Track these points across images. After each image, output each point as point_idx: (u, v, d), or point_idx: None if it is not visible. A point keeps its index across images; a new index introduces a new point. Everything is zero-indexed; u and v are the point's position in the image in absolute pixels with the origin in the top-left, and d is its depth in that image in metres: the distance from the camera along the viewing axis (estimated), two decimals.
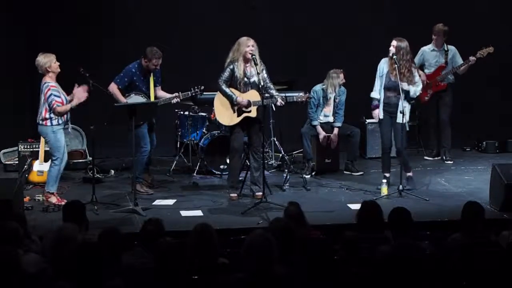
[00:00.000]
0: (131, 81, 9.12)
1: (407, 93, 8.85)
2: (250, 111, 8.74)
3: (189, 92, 9.27)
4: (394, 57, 8.80)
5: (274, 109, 9.95)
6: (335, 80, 10.02)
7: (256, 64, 8.58)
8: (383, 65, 9.02)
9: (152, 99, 9.14)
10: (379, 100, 9.05)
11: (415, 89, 8.93)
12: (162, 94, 9.26)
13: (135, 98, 9.09)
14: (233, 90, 8.74)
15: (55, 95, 8.44)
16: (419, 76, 9.21)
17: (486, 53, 10.36)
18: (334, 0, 11.76)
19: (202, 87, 9.25)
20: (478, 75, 11.08)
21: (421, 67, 10.56)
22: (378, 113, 9.09)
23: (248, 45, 8.65)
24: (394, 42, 8.90)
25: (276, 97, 8.65)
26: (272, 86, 8.74)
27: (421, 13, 11.53)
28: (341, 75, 10.05)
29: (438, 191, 9.20)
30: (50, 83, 8.48)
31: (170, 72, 9.64)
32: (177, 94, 9.21)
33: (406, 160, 9.11)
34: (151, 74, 9.17)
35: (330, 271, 4.84)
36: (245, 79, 8.72)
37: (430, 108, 10.82)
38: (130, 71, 9.13)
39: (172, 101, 9.23)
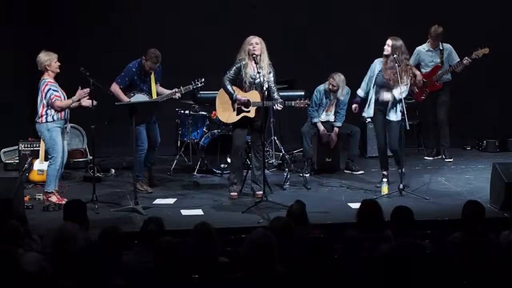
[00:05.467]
0: (132, 80, 9.12)
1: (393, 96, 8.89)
2: (249, 111, 8.74)
3: (190, 86, 9.30)
4: (395, 56, 8.78)
5: (274, 108, 9.96)
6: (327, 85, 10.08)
7: (256, 63, 8.56)
8: (376, 65, 9.00)
9: (154, 97, 9.17)
10: (360, 97, 9.13)
11: (403, 90, 8.85)
12: (162, 90, 9.28)
13: (138, 97, 9.10)
14: (235, 88, 8.74)
15: (53, 90, 8.46)
16: (413, 76, 9.20)
17: (481, 54, 10.34)
18: (334, 0, 11.76)
19: (203, 79, 9.28)
20: (478, 75, 11.09)
21: (417, 67, 10.57)
22: (355, 107, 9.25)
23: (250, 43, 8.64)
24: (389, 42, 8.87)
25: (276, 101, 8.63)
26: (275, 90, 8.71)
27: (421, 13, 11.52)
28: (330, 79, 10.02)
29: (438, 190, 9.20)
30: (47, 79, 8.50)
31: (170, 72, 9.63)
32: (177, 89, 9.22)
33: (400, 158, 9.07)
34: (152, 72, 9.19)
35: (330, 270, 4.85)
36: (250, 79, 8.70)
37: (428, 108, 10.82)
38: (131, 71, 9.14)
39: (174, 96, 9.24)
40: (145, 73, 9.15)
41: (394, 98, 8.82)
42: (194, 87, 9.35)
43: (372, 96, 9.00)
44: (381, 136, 9.13)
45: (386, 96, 8.84)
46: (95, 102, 8.51)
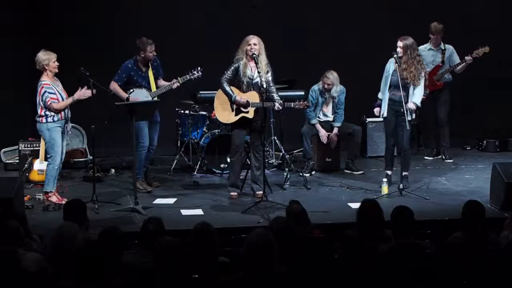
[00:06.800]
0: (129, 76, 9.16)
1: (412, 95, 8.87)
2: (247, 112, 8.73)
3: (187, 76, 9.31)
4: (395, 56, 8.79)
5: (274, 109, 9.97)
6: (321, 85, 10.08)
7: (257, 64, 8.56)
8: (390, 65, 8.98)
9: (154, 90, 9.19)
10: (381, 100, 9.06)
11: (420, 93, 8.89)
12: (163, 83, 9.30)
13: (138, 92, 9.12)
14: (234, 89, 8.74)
15: (49, 93, 8.46)
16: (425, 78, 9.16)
17: (481, 52, 10.33)
18: (334, 0, 11.76)
19: (200, 68, 9.28)
20: (479, 75, 11.08)
21: None
22: (378, 110, 9.15)
23: (249, 43, 8.62)
24: (400, 43, 8.82)
25: (275, 102, 8.61)
26: (274, 90, 8.71)
27: (421, 13, 11.51)
28: (324, 78, 10.00)
29: (438, 190, 9.20)
30: (44, 81, 8.50)
31: (170, 72, 9.63)
32: (175, 80, 9.24)
33: (408, 160, 9.10)
34: (150, 67, 9.20)
35: (330, 270, 4.85)
36: (248, 79, 8.70)
37: (429, 108, 10.80)
38: (127, 67, 9.18)
39: (173, 87, 9.25)
40: (142, 68, 9.15)
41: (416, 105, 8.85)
42: (192, 77, 9.35)
43: (386, 95, 8.97)
44: (391, 135, 9.10)
45: (410, 105, 8.79)
46: (94, 91, 8.50)
